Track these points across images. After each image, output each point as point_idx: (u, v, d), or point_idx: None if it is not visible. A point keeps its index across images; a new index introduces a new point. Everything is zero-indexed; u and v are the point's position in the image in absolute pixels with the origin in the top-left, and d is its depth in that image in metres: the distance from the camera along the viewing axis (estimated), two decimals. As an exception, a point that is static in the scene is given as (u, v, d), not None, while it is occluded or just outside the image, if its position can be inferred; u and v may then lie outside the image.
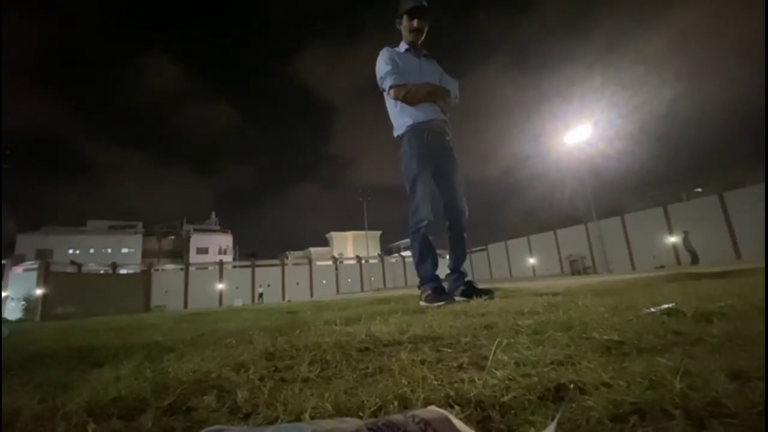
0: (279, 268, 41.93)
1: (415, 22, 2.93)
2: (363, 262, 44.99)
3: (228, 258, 49.46)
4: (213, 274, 40.52)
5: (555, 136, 28.07)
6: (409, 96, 2.84)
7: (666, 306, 1.21)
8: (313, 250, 57.76)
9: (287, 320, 2.36)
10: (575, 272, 28.81)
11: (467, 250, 3.02)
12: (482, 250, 42.63)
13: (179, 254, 51.95)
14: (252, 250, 59.31)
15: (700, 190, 30.84)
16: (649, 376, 0.60)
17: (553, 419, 0.47)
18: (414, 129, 2.83)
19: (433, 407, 0.47)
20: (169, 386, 0.80)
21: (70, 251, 46.03)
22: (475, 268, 40.29)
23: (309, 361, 0.94)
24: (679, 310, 1.14)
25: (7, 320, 15.44)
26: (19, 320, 22.61)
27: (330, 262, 44.31)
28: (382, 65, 2.90)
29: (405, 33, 3.00)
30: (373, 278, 42.79)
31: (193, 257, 49.64)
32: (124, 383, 0.85)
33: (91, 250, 47.68)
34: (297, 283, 40.82)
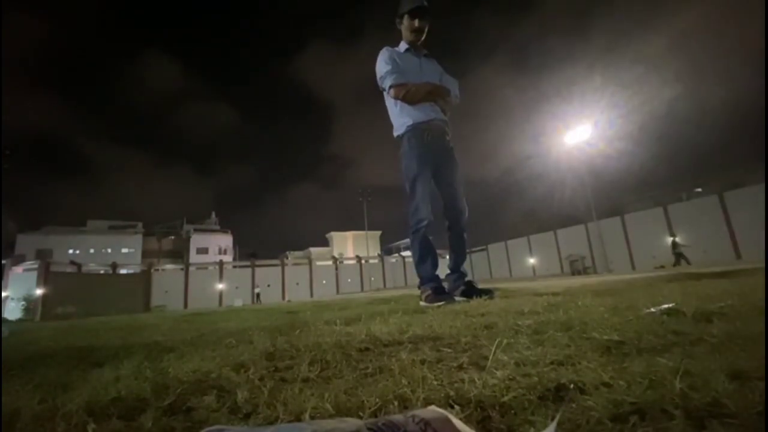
0: (279, 268, 41.94)
1: (416, 22, 2.92)
2: (363, 262, 45.00)
3: (228, 258, 49.47)
4: (213, 274, 40.53)
5: (555, 136, 28.11)
6: (409, 95, 2.83)
7: (666, 306, 1.21)
8: (313, 250, 57.78)
9: (287, 320, 2.36)
10: (575, 272, 28.82)
11: (467, 250, 3.02)
12: (482, 250, 42.64)
13: (179, 254, 51.94)
14: (252, 250, 59.42)
15: (700, 190, 30.83)
16: (649, 376, 0.60)
17: (553, 419, 0.47)
18: (414, 129, 2.83)
19: (433, 407, 0.47)
20: (169, 386, 0.80)
21: (70, 251, 46.03)
22: (475, 268, 40.30)
23: (309, 361, 0.94)
24: (679, 310, 1.14)
25: (7, 320, 15.45)
26: (19, 320, 22.61)
27: (330, 262, 44.31)
28: (382, 65, 2.89)
29: (405, 33, 2.99)
30: (373, 278, 42.79)
31: (193, 257, 49.64)
32: (124, 383, 0.85)
33: (91, 250, 47.67)
34: (297, 283, 40.83)
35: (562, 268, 33.05)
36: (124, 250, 49.27)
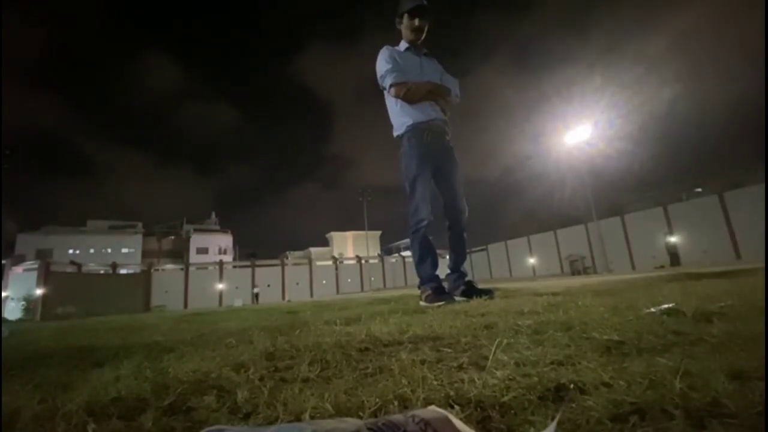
0: (279, 268, 41.94)
1: (416, 21, 2.91)
2: (363, 262, 45.00)
3: (228, 258, 49.45)
4: (213, 274, 40.54)
5: (555, 136, 28.12)
6: (409, 94, 2.82)
7: (666, 306, 1.21)
8: (313, 250, 57.78)
9: (287, 320, 2.36)
10: (575, 272, 28.83)
11: (467, 250, 3.02)
12: (482, 250, 42.64)
13: (179, 254, 51.94)
14: (252, 250, 59.39)
15: (700, 190, 30.84)
16: (649, 376, 0.60)
17: (553, 419, 0.47)
18: (414, 129, 2.82)
19: (433, 407, 0.47)
20: (169, 386, 0.80)
21: (70, 251, 46.03)
22: (475, 268, 40.30)
23: (309, 361, 0.94)
24: (679, 310, 1.14)
25: (7, 320, 15.44)
26: (19, 320, 22.62)
27: (330, 262, 44.32)
28: (382, 63, 2.88)
29: (406, 32, 2.98)
30: (373, 278, 42.79)
31: (193, 257, 49.63)
32: (124, 383, 0.85)
33: (91, 250, 47.68)
34: (297, 283, 40.84)
35: (562, 268, 33.06)
36: (124, 250, 49.27)
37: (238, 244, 58.33)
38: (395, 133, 2.93)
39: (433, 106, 2.88)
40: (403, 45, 3.02)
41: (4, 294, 29.49)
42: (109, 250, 48.32)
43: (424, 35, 2.99)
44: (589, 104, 26.98)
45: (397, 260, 46.30)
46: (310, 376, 0.83)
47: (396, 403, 0.62)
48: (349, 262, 45.64)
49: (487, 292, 2.61)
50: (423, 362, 0.84)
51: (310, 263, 43.55)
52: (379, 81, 2.93)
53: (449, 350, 0.95)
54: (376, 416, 0.58)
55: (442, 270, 2.78)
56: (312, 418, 0.59)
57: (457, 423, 0.42)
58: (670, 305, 1.21)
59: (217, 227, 60.30)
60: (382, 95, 3.05)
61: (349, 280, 42.91)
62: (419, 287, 2.74)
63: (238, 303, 32.51)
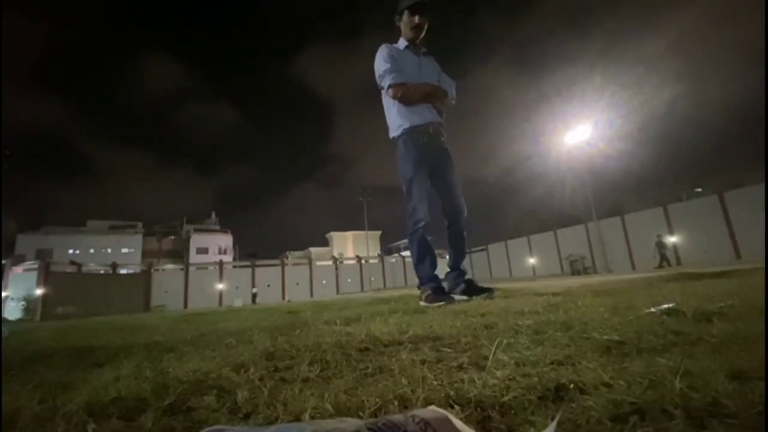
0: (279, 268, 41.92)
1: (416, 18, 2.88)
2: (363, 262, 44.98)
3: (228, 258, 49.44)
4: (213, 274, 40.50)
5: (555, 136, 28.07)
6: (407, 96, 2.82)
7: (666, 306, 1.21)
8: (313, 250, 57.76)
9: (287, 320, 2.35)
10: (575, 272, 28.80)
11: (467, 250, 3.03)
12: (482, 250, 42.62)
13: (179, 254, 51.91)
14: (252, 250, 59.36)
15: (700, 190, 30.83)
16: (649, 376, 0.60)
17: (553, 419, 0.47)
18: (410, 132, 2.82)
19: (433, 407, 0.47)
20: (169, 386, 0.80)
21: (70, 251, 46.00)
22: (475, 268, 40.29)
23: (309, 361, 0.94)
24: (679, 310, 1.14)
25: (7, 320, 15.44)
26: (19, 320, 22.59)
27: (330, 262, 44.29)
28: (380, 62, 2.87)
29: (405, 29, 2.96)
30: (373, 278, 42.77)
31: (193, 257, 49.61)
32: (124, 383, 0.85)
33: (91, 250, 47.65)
34: (297, 283, 40.79)
35: (562, 268, 33.02)
36: (124, 250, 49.24)
37: (238, 244, 58.33)
38: (391, 135, 2.93)
39: (429, 108, 2.88)
40: (402, 43, 2.99)
41: (4, 294, 29.48)
42: (109, 250, 48.29)
43: (423, 33, 2.97)
44: (589, 104, 26.96)
45: (397, 260, 46.28)
46: (310, 376, 0.83)
47: (396, 403, 0.62)
48: (349, 262, 45.61)
49: (487, 290, 2.64)
50: (423, 362, 0.84)
51: (310, 263, 43.53)
52: (378, 80, 2.92)
53: (449, 350, 0.95)
54: (376, 416, 0.58)
55: (442, 269, 2.78)
56: (312, 418, 0.59)
57: (457, 423, 0.42)
58: (670, 305, 1.21)
59: (217, 227, 60.28)
60: (381, 93, 3.05)
61: (349, 280, 42.89)
62: (419, 287, 2.75)
63: (238, 303, 32.50)
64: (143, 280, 36.13)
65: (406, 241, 2.93)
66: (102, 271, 37.63)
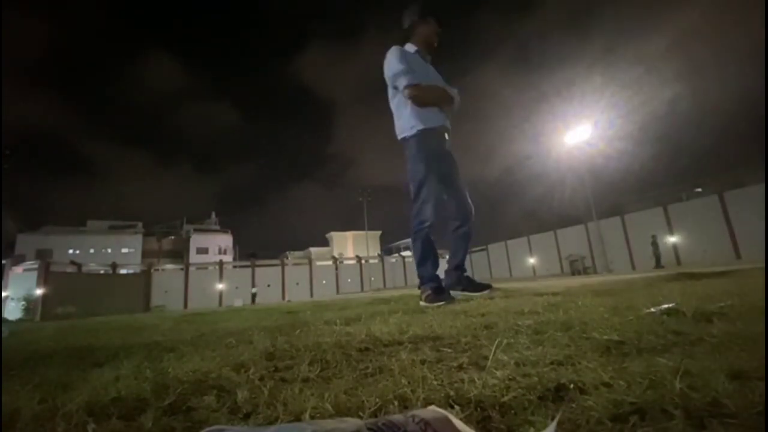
0: (279, 268, 41.92)
1: (439, 28, 3.00)
2: (363, 262, 44.99)
3: (228, 258, 49.44)
4: (213, 274, 40.50)
5: (555, 136, 28.09)
6: (421, 97, 2.87)
7: (666, 306, 1.21)
8: (313, 250, 57.77)
9: (287, 320, 2.36)
10: (575, 272, 28.79)
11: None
12: (482, 250, 42.62)
13: (179, 254, 51.91)
14: (252, 250, 59.32)
15: (700, 190, 30.85)
16: (649, 376, 0.60)
17: (553, 419, 0.47)
18: (424, 133, 2.86)
19: (433, 407, 0.47)
20: (169, 386, 0.80)
21: (70, 251, 46.01)
22: (475, 268, 40.27)
23: (309, 361, 0.94)
24: (679, 310, 1.14)
25: (7, 320, 15.45)
26: (19, 320, 22.61)
27: (330, 262, 44.30)
28: (395, 63, 2.89)
29: (427, 36, 3.03)
30: (373, 278, 42.78)
31: (193, 257, 49.60)
32: (124, 383, 0.85)
33: (91, 250, 47.66)
34: (297, 283, 40.79)
35: (562, 268, 33.01)
36: (124, 250, 49.25)
37: (238, 244, 58.35)
38: (402, 135, 2.95)
39: (440, 111, 2.95)
40: (410, 48, 3.03)
41: (4, 294, 29.48)
42: (109, 250, 48.30)
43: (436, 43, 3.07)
44: (589, 104, 26.98)
45: (397, 260, 46.28)
46: (310, 376, 0.83)
47: (396, 403, 0.62)
48: (349, 262, 45.61)
49: (487, 287, 2.73)
50: (423, 362, 0.84)
51: (310, 263, 43.52)
52: (391, 80, 2.94)
53: (449, 350, 0.95)
54: (376, 416, 0.58)
55: (442, 269, 2.80)
56: (312, 418, 0.59)
57: (457, 423, 0.42)
58: (670, 305, 1.21)
59: (217, 227, 60.28)
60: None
61: (349, 280, 42.89)
62: (419, 287, 2.75)
63: (238, 303, 32.49)
64: (143, 280, 36.12)
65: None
66: (102, 271, 37.64)
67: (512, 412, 0.55)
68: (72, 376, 1.05)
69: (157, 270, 39.68)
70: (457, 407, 0.57)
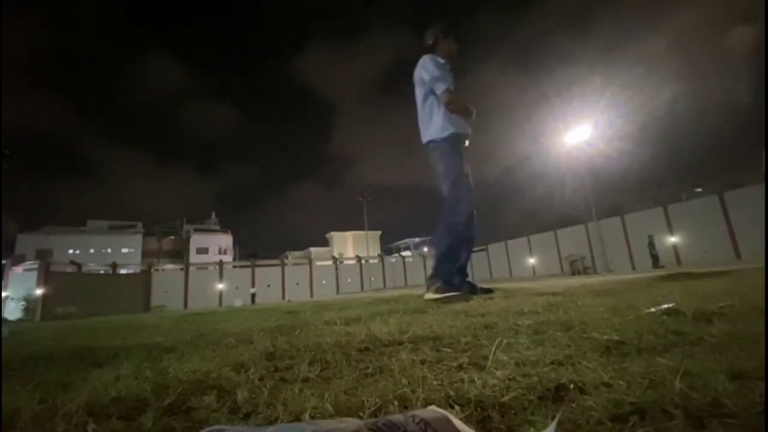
0: (279, 268, 41.91)
1: (458, 45, 3.25)
2: (363, 262, 44.98)
3: (228, 258, 49.44)
4: (213, 274, 40.49)
5: (555, 136, 28.06)
6: (456, 103, 3.04)
7: (666, 306, 1.21)
8: (313, 250, 57.75)
9: (287, 320, 2.35)
10: (575, 272, 28.78)
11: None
12: (482, 250, 42.60)
13: (179, 254, 51.90)
14: (252, 250, 59.31)
15: (700, 190, 30.83)
16: (649, 376, 0.60)
17: (553, 419, 0.47)
18: (455, 137, 3.05)
19: (433, 407, 0.48)
20: (169, 386, 0.80)
21: (70, 251, 46.00)
22: (475, 268, 40.26)
23: (309, 361, 0.94)
24: (679, 310, 1.14)
25: (7, 320, 15.42)
26: (19, 320, 22.59)
27: (330, 262, 44.29)
28: (433, 68, 3.08)
29: (447, 51, 3.26)
30: (373, 278, 42.77)
31: (193, 257, 49.60)
32: (124, 383, 0.85)
33: (91, 250, 47.65)
34: (297, 283, 40.78)
35: (562, 268, 32.99)
36: (124, 250, 49.24)
37: (238, 244, 58.32)
38: (432, 137, 3.09)
39: (465, 120, 3.14)
40: (440, 59, 3.22)
41: (4, 294, 29.47)
42: (109, 250, 48.29)
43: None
44: (589, 104, 26.96)
45: (397, 260, 46.28)
46: (310, 376, 0.83)
47: (396, 403, 0.62)
48: (349, 262, 45.60)
49: (488, 291, 2.80)
50: (423, 362, 0.84)
51: (310, 263, 43.51)
52: (429, 83, 3.12)
53: (449, 350, 0.95)
54: (376, 416, 0.58)
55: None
56: (312, 418, 0.59)
57: (457, 423, 0.42)
58: (670, 305, 1.21)
59: (217, 227, 60.27)
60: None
61: (349, 280, 42.88)
62: (429, 280, 2.80)
63: (238, 303, 32.49)
64: (143, 280, 36.12)
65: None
66: (102, 271, 37.63)
67: (512, 412, 0.55)
68: (72, 376, 1.05)
69: (157, 270, 39.67)
70: (457, 407, 0.57)
